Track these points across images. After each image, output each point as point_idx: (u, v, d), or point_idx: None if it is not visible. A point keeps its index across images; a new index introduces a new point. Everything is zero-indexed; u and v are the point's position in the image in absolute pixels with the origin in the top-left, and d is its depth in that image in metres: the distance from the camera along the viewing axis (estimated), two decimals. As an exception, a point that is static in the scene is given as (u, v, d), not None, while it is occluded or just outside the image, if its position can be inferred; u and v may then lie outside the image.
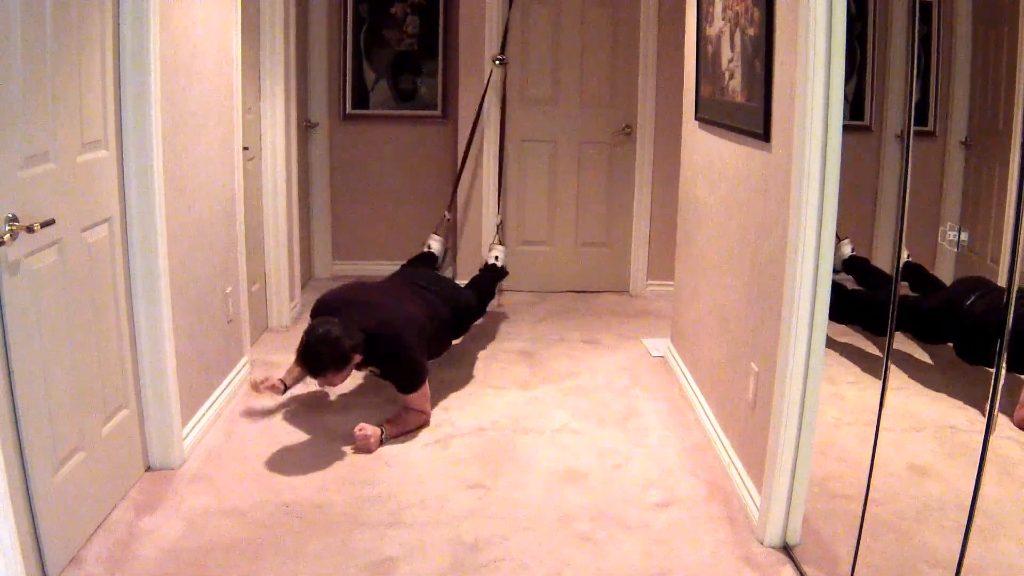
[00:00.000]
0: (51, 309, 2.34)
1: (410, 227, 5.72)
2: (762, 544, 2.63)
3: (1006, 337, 1.73)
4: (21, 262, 2.19)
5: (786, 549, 2.61)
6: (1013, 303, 1.75)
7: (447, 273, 5.16)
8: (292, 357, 3.39)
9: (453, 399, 3.74)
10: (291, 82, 4.51)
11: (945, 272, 2.70)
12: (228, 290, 3.63)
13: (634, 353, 4.40)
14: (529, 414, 3.61)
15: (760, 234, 2.80)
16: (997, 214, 2.33)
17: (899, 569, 2.41)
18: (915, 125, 2.17)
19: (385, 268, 4.91)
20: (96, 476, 2.61)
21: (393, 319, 3.40)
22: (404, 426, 3.36)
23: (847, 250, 3.13)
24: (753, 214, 2.88)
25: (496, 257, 4.80)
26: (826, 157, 2.35)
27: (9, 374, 2.14)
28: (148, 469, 3.00)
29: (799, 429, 2.51)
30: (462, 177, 5.21)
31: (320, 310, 3.43)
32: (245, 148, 3.92)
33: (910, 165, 2.13)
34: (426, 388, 3.43)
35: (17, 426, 2.17)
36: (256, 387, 3.46)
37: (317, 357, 3.13)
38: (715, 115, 3.37)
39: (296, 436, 3.34)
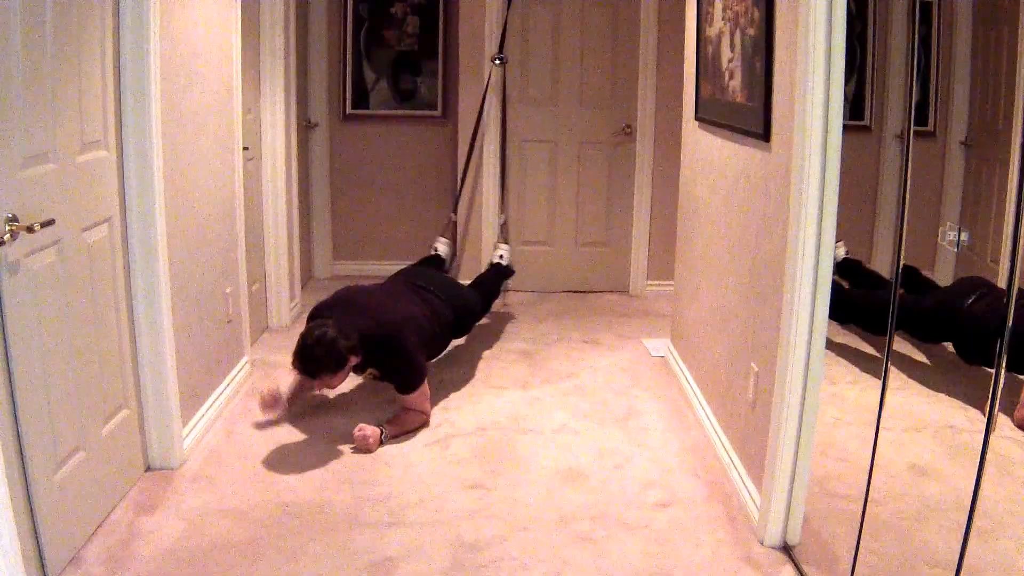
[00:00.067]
0: (51, 309, 2.34)
1: (410, 227, 5.72)
2: (762, 544, 2.63)
3: (1006, 337, 1.73)
4: (21, 262, 2.19)
5: (786, 549, 2.61)
6: (1013, 303, 1.75)
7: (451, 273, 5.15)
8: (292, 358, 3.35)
9: (453, 399, 3.74)
10: (291, 82, 4.51)
11: (945, 272, 2.70)
12: (228, 290, 3.63)
13: (634, 353, 4.40)
14: (529, 414, 3.61)
15: (760, 234, 2.80)
16: (997, 214, 2.33)
17: (899, 569, 2.41)
18: (915, 125, 2.16)
19: (385, 268, 4.91)
20: (96, 476, 2.61)
21: (390, 319, 3.39)
22: (404, 426, 3.36)
23: (841, 252, 3.13)
24: (753, 214, 2.88)
25: (501, 256, 4.80)
26: (826, 157, 2.35)
27: (9, 374, 2.14)
28: (148, 469, 3.00)
29: (799, 429, 2.51)
30: (464, 178, 5.21)
31: (317, 314, 3.42)
32: (245, 148, 3.92)
33: (910, 165, 2.13)
34: (425, 388, 3.43)
35: (17, 426, 2.17)
36: (264, 402, 3.42)
37: (313, 359, 3.12)
38: (715, 115, 3.37)
39: (296, 436, 3.34)
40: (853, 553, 2.31)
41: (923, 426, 2.85)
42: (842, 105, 2.33)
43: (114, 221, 2.72)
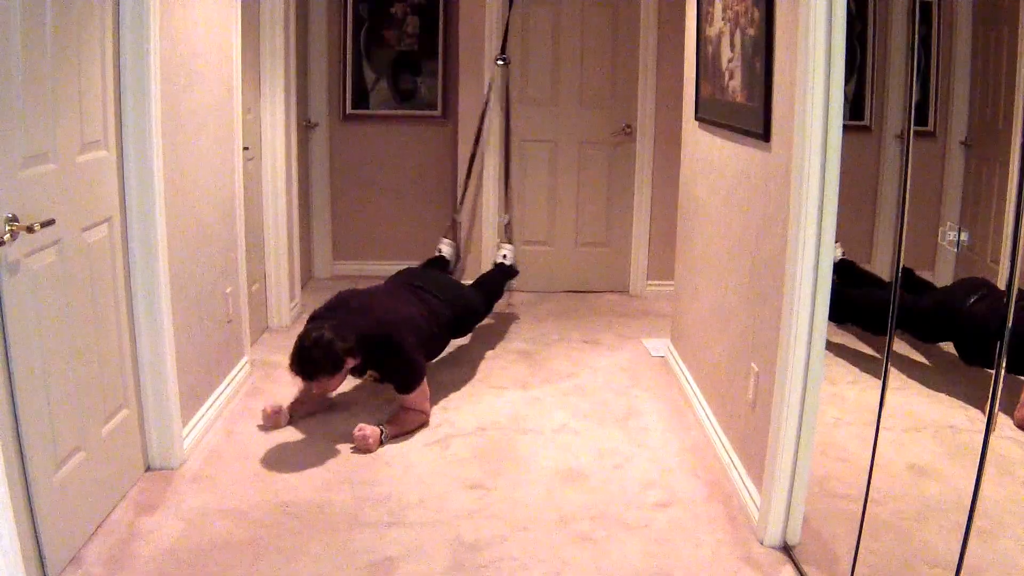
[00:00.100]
0: (51, 309, 2.34)
1: (410, 227, 5.72)
2: (762, 544, 2.63)
3: (1006, 337, 1.73)
4: (21, 262, 2.19)
5: (786, 549, 2.61)
6: (1013, 303, 1.75)
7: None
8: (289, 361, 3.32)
9: (453, 399, 3.74)
10: (291, 82, 4.51)
11: (945, 272, 2.70)
12: (228, 290, 3.63)
13: (634, 353, 4.40)
14: (529, 414, 3.61)
15: (760, 234, 2.80)
16: (997, 214, 2.33)
17: (899, 569, 2.41)
18: (915, 125, 2.16)
19: (385, 268, 4.91)
20: (96, 476, 2.61)
21: (387, 320, 3.40)
22: (404, 426, 3.36)
23: (838, 253, 3.13)
24: (753, 214, 2.88)
25: (504, 256, 4.79)
26: (826, 157, 2.35)
27: (9, 374, 2.14)
28: (148, 469, 3.00)
29: (799, 429, 2.51)
30: (468, 179, 5.20)
31: (315, 319, 3.42)
32: (245, 148, 3.92)
33: (910, 165, 2.13)
34: (424, 387, 3.43)
35: (17, 426, 2.17)
36: (267, 416, 3.41)
37: (310, 360, 3.12)
38: (715, 115, 3.38)
39: (296, 436, 3.34)
40: (853, 553, 2.31)
41: (923, 426, 2.85)
42: (842, 105, 2.33)
43: (114, 221, 2.72)
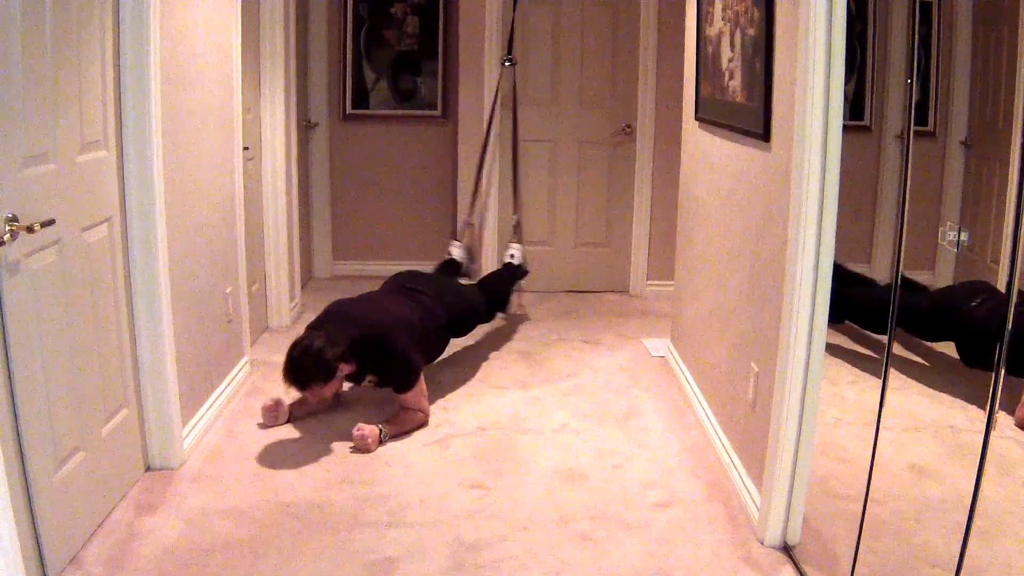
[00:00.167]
0: (51, 309, 2.34)
1: (410, 227, 5.72)
2: (762, 544, 2.63)
3: (1006, 337, 1.73)
4: (21, 262, 2.19)
5: (786, 549, 2.61)
6: (1014, 304, 1.75)
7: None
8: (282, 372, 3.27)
9: (453, 399, 3.74)
10: (291, 82, 4.51)
11: (945, 272, 2.70)
12: (228, 290, 3.63)
13: (634, 353, 4.40)
14: (529, 414, 3.61)
15: (760, 234, 2.80)
16: (997, 214, 2.33)
17: (899, 569, 2.41)
18: (915, 125, 2.16)
19: (385, 268, 4.91)
20: (96, 476, 2.61)
21: (377, 321, 3.40)
22: (403, 425, 3.36)
23: None
24: (753, 214, 2.88)
25: (512, 255, 4.77)
26: (826, 157, 2.35)
27: (9, 374, 2.14)
28: (148, 469, 3.00)
29: (799, 429, 2.51)
30: (472, 179, 5.19)
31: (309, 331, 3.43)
32: (245, 148, 3.92)
33: (910, 165, 2.13)
34: (422, 386, 3.43)
35: (17, 426, 2.17)
36: (266, 410, 3.42)
37: (301, 369, 3.12)
38: (715, 115, 3.38)
39: (296, 436, 3.34)
40: (853, 553, 2.31)
41: (923, 426, 2.85)
42: (842, 105, 2.33)
43: (114, 221, 2.72)
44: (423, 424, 3.44)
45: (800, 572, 2.49)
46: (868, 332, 3.17)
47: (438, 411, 3.59)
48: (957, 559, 1.89)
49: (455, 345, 4.36)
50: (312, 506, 2.81)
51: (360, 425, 3.23)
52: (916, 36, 2.14)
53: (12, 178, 2.14)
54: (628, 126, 5.27)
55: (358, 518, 2.75)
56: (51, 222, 2.28)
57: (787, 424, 2.51)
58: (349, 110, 5.57)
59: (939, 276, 2.70)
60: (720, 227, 3.31)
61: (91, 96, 2.55)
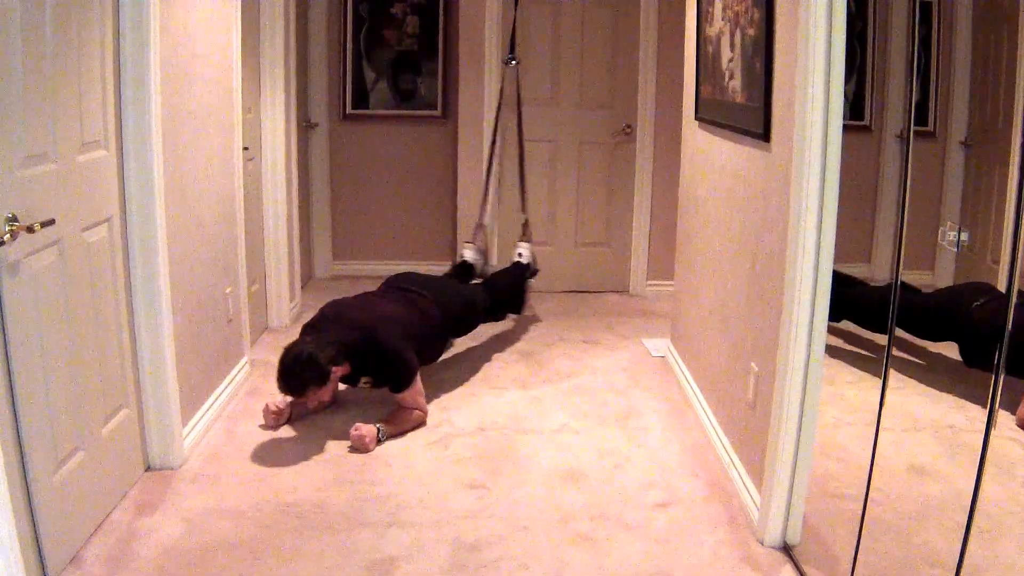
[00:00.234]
0: (51, 309, 2.34)
1: (410, 227, 5.72)
2: (762, 544, 2.63)
3: (1006, 337, 1.73)
4: (21, 262, 2.19)
5: (786, 549, 2.61)
6: (1014, 303, 1.75)
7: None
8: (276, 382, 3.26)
9: (453, 399, 3.74)
10: (291, 82, 4.51)
11: (945, 272, 2.69)
12: (228, 290, 3.63)
13: (634, 353, 4.40)
14: (529, 414, 3.61)
15: (760, 234, 2.80)
16: (997, 214, 2.33)
17: (899, 569, 2.41)
18: (915, 125, 2.16)
19: (385, 268, 4.91)
20: (96, 476, 2.61)
21: (367, 321, 3.40)
22: (401, 425, 3.36)
23: None
24: (753, 214, 2.88)
25: (520, 254, 4.75)
26: (826, 157, 2.35)
27: (9, 374, 2.14)
28: (148, 469, 3.00)
29: (799, 429, 2.51)
30: (481, 181, 5.18)
31: (304, 334, 3.43)
32: (245, 148, 3.92)
33: (910, 165, 2.13)
34: (418, 385, 3.43)
35: (17, 426, 2.17)
36: (268, 413, 3.42)
37: (295, 376, 3.13)
38: (715, 115, 3.37)
39: (296, 436, 3.34)
40: (853, 553, 2.31)
41: (923, 426, 2.85)
42: (842, 105, 2.33)
43: (114, 221, 2.72)
44: (421, 423, 3.44)
45: (800, 572, 2.49)
46: (867, 331, 3.17)
47: (438, 411, 3.59)
48: (957, 559, 1.89)
49: (455, 345, 4.36)
50: (312, 506, 2.81)
51: (358, 425, 3.23)
52: (916, 36, 2.14)
53: (12, 178, 2.14)
54: (628, 126, 5.27)
55: (358, 518, 2.75)
56: (51, 222, 2.28)
57: (787, 424, 2.50)
58: (349, 110, 5.57)
59: (939, 276, 2.70)
60: (720, 227, 3.31)
61: (91, 96, 2.55)
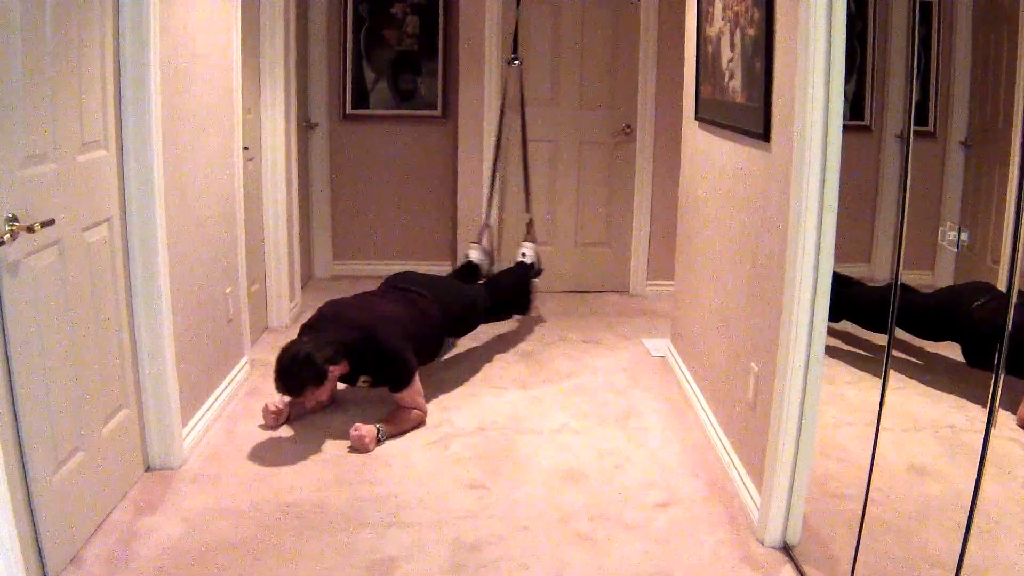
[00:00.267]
0: (51, 309, 2.34)
1: (410, 227, 5.72)
2: (762, 544, 2.63)
3: (1006, 337, 1.73)
4: (21, 262, 2.19)
5: (786, 549, 2.61)
6: (1014, 303, 1.75)
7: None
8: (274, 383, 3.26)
9: (453, 399, 3.74)
10: (291, 82, 4.51)
11: (945, 272, 2.69)
12: (228, 290, 3.63)
13: (634, 353, 4.40)
14: (529, 414, 3.61)
15: (760, 234, 2.80)
16: (997, 214, 2.33)
17: (899, 569, 2.41)
18: (915, 125, 2.16)
19: (385, 268, 4.91)
20: (96, 476, 2.61)
21: (367, 321, 3.40)
22: (400, 425, 3.36)
23: None
24: (753, 214, 2.88)
25: (524, 254, 4.74)
26: (826, 157, 2.35)
27: (9, 374, 2.14)
28: (148, 469, 3.00)
29: (799, 429, 2.51)
30: (493, 182, 5.18)
31: (302, 334, 3.43)
32: (245, 148, 3.92)
33: (910, 165, 2.13)
34: (417, 384, 3.43)
35: (17, 426, 2.17)
36: (267, 413, 3.41)
37: (292, 376, 3.13)
38: (715, 115, 3.37)
39: (296, 436, 3.34)
40: (853, 553, 2.31)
41: (923, 426, 2.85)
42: (842, 105, 2.33)
43: (114, 221, 2.72)
44: (421, 423, 3.44)
45: (800, 572, 2.49)
46: (864, 332, 3.17)
47: (438, 411, 3.59)
48: (957, 559, 1.89)
49: (456, 345, 4.36)
50: (312, 506, 2.81)
51: (358, 425, 3.23)
52: (916, 36, 2.14)
53: (12, 178, 2.14)
54: (628, 126, 5.27)
55: (358, 518, 2.75)
56: (51, 222, 2.28)
57: (787, 424, 2.50)
58: (349, 110, 5.57)
59: (939, 276, 2.70)
60: (720, 227, 3.31)
61: (91, 96, 2.55)
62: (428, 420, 3.48)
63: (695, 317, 3.72)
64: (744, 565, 2.53)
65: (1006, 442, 2.33)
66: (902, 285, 2.20)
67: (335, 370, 3.22)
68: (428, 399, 3.58)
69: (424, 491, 2.93)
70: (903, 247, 2.14)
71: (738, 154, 3.06)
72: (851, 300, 2.99)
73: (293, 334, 3.47)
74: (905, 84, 2.21)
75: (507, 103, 5.11)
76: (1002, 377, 1.75)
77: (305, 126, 5.30)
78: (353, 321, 3.41)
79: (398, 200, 5.70)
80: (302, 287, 5.07)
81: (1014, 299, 1.77)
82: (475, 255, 4.72)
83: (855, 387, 3.05)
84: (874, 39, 2.90)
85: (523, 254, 4.75)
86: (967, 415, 2.68)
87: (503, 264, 5.06)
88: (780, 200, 2.59)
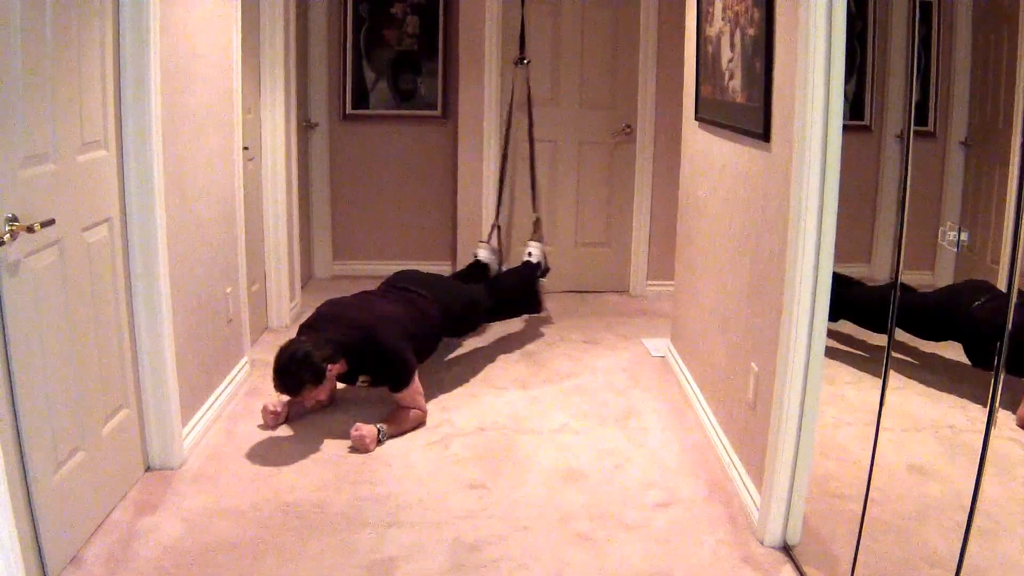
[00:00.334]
0: (51, 309, 2.34)
1: (410, 227, 5.72)
2: (762, 544, 2.63)
3: (1006, 336, 1.73)
4: (21, 262, 2.19)
5: (786, 549, 2.61)
6: (1014, 303, 1.75)
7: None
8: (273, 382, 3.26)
9: (453, 399, 3.74)
10: (291, 82, 4.51)
11: (945, 272, 2.69)
12: (228, 290, 3.63)
13: (634, 353, 4.40)
14: (529, 414, 3.61)
15: (760, 234, 2.80)
16: (997, 214, 2.33)
17: (899, 569, 2.41)
18: (915, 125, 2.16)
19: (385, 268, 4.90)
20: (96, 476, 2.61)
21: (367, 321, 3.40)
22: (401, 424, 3.36)
23: None
24: (753, 214, 2.88)
25: (530, 253, 4.73)
26: (826, 157, 2.35)
27: (9, 374, 2.14)
28: (148, 469, 3.00)
29: (799, 429, 2.51)
30: (503, 182, 5.17)
31: (301, 333, 3.44)
32: (245, 148, 3.92)
33: (910, 165, 2.13)
34: (417, 384, 3.43)
35: (17, 426, 2.17)
36: (266, 413, 3.41)
37: (290, 375, 3.13)
38: (715, 115, 3.37)
39: (296, 436, 3.34)
40: (853, 553, 2.31)
41: (923, 426, 2.85)
42: (842, 105, 2.33)
43: (114, 221, 2.72)
44: (421, 423, 3.44)
45: (800, 572, 2.49)
46: (861, 331, 3.17)
47: (438, 411, 3.59)
48: (957, 559, 1.89)
49: (454, 345, 4.36)
50: (312, 506, 2.81)
51: (358, 425, 3.23)
52: (916, 36, 2.14)
53: (12, 178, 2.14)
54: (628, 126, 5.27)
55: (358, 518, 2.75)
56: (51, 222, 2.28)
57: (787, 424, 2.50)
58: (349, 110, 5.57)
59: (939, 276, 2.70)
60: (720, 227, 3.31)
61: (91, 96, 2.55)
62: (428, 420, 3.48)
63: (695, 317, 3.72)
64: (744, 565, 2.53)
65: (1006, 442, 2.33)
66: (901, 285, 2.20)
67: (334, 369, 3.22)
68: (428, 399, 3.58)
69: (424, 491, 2.93)
70: (903, 247, 2.14)
71: (738, 154, 3.06)
72: (850, 300, 2.99)
73: (293, 334, 3.47)
74: (905, 84, 2.21)
75: (514, 103, 5.11)
76: (1002, 377, 1.75)
77: (305, 126, 5.30)
78: (352, 321, 3.41)
79: (398, 200, 5.70)
80: (302, 287, 5.07)
81: (1014, 299, 1.77)
82: (483, 254, 4.72)
83: (855, 387, 3.05)
84: (874, 39, 2.90)
85: (529, 253, 4.75)
86: (967, 415, 2.68)
87: (510, 264, 5.06)
88: (780, 200, 2.59)
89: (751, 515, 2.75)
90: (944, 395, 2.84)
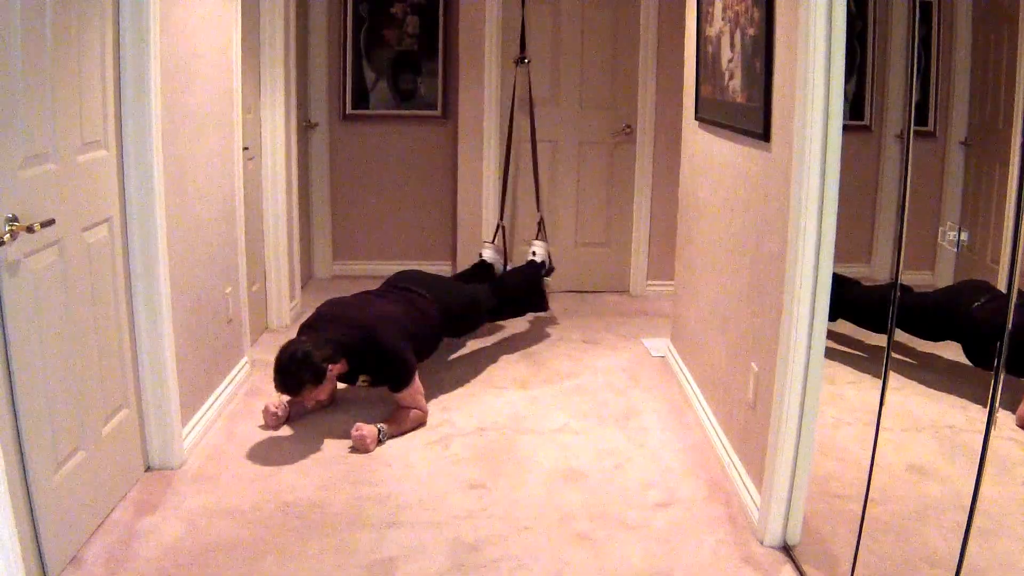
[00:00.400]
0: (51, 309, 2.34)
1: (410, 227, 5.72)
2: (762, 544, 2.63)
3: (1006, 336, 1.73)
4: (21, 262, 2.19)
5: (786, 549, 2.61)
6: (1014, 303, 1.75)
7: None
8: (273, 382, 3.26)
9: (453, 399, 3.74)
10: (291, 82, 4.51)
11: (945, 272, 2.69)
12: (228, 290, 3.63)
13: (634, 353, 4.40)
14: (529, 414, 3.61)
15: (760, 234, 2.80)
16: (997, 214, 2.33)
17: (899, 569, 2.41)
18: (915, 125, 2.16)
19: (385, 268, 4.91)
20: (96, 476, 2.61)
21: (367, 321, 3.40)
22: (401, 424, 3.36)
23: None
24: (753, 214, 2.88)
25: (534, 252, 4.73)
26: (826, 157, 2.35)
27: (9, 374, 2.14)
28: (148, 469, 3.00)
29: (799, 429, 2.51)
30: (506, 182, 5.18)
31: (301, 333, 3.44)
32: (245, 148, 3.92)
33: (910, 165, 2.13)
34: (417, 384, 3.43)
35: (17, 426, 2.17)
36: (267, 413, 3.41)
37: (290, 375, 3.13)
38: (715, 115, 3.37)
39: (296, 436, 3.34)
40: (853, 553, 2.31)
41: (923, 426, 2.85)
42: (842, 105, 2.33)
43: (114, 221, 2.72)
44: (421, 422, 3.44)
45: (800, 572, 2.49)
46: (858, 331, 3.17)
47: (438, 411, 3.59)
48: (957, 559, 1.89)
49: (456, 345, 4.36)
50: (312, 506, 2.81)
51: (359, 425, 3.23)
52: (916, 36, 2.14)
53: (12, 178, 2.14)
54: (628, 126, 5.27)
55: (358, 518, 2.75)
56: (51, 222, 2.28)
57: (787, 424, 2.50)
58: (349, 110, 5.57)
59: (939, 276, 2.70)
60: (720, 227, 3.31)
61: (91, 96, 2.55)
62: (428, 420, 3.48)
63: (695, 317, 3.72)
64: (744, 565, 2.53)
65: (1006, 442, 2.32)
66: (901, 285, 2.20)
67: (334, 369, 3.23)
68: (428, 399, 3.58)
69: (424, 491, 2.93)
70: (903, 247, 2.14)
71: (738, 154, 3.06)
72: (849, 300, 2.99)
73: (293, 334, 3.47)
74: (905, 84, 2.21)
75: (516, 103, 5.11)
76: (1002, 377, 1.75)
77: (305, 126, 5.30)
78: (352, 320, 3.41)
79: (398, 200, 5.70)
80: (302, 287, 5.07)
81: (1014, 299, 1.77)
82: (488, 254, 4.72)
83: (855, 387, 3.05)
84: (874, 39, 2.90)
85: (533, 252, 4.75)
86: (967, 415, 2.68)
87: (514, 263, 5.06)
88: (780, 200, 2.59)
89: (751, 515, 2.75)
90: (944, 395, 2.84)
